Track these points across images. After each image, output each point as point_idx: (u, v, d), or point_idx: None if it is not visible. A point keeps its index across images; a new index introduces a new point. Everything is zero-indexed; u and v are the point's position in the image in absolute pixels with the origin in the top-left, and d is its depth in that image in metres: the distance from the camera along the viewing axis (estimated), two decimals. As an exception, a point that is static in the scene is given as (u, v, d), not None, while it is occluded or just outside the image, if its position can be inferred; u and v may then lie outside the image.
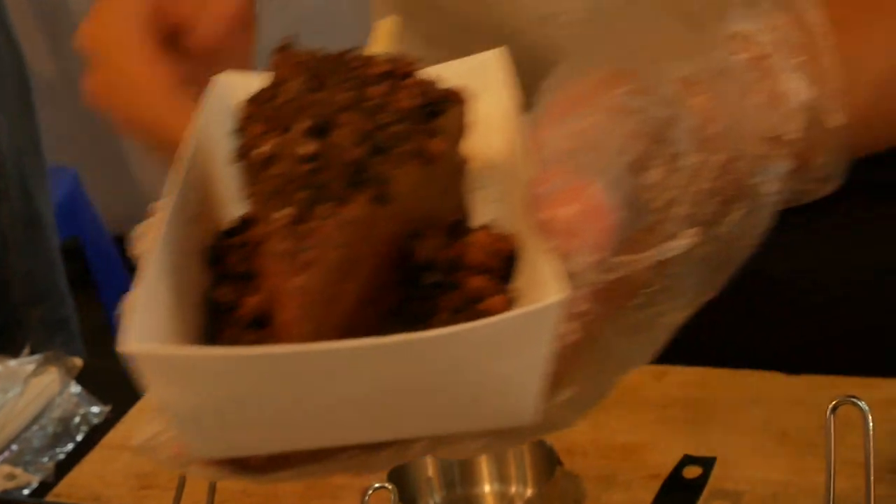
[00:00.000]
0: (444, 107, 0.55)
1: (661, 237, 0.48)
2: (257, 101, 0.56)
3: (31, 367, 1.10)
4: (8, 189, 1.63)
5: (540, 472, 0.92)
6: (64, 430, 1.07)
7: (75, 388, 1.09)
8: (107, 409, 1.08)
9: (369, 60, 0.59)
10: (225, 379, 0.47)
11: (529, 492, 0.93)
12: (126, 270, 2.43)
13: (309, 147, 0.50)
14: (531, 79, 0.57)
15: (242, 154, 0.53)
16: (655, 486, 0.90)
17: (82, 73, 0.83)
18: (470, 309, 0.49)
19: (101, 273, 2.40)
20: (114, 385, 1.06)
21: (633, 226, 0.47)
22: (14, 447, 1.07)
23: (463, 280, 0.50)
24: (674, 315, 0.52)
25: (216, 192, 0.60)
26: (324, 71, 0.58)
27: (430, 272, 0.52)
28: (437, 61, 0.88)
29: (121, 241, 2.50)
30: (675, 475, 0.89)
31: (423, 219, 0.54)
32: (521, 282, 0.49)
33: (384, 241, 0.52)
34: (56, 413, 1.08)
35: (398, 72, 0.57)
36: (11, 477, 1.01)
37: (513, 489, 0.95)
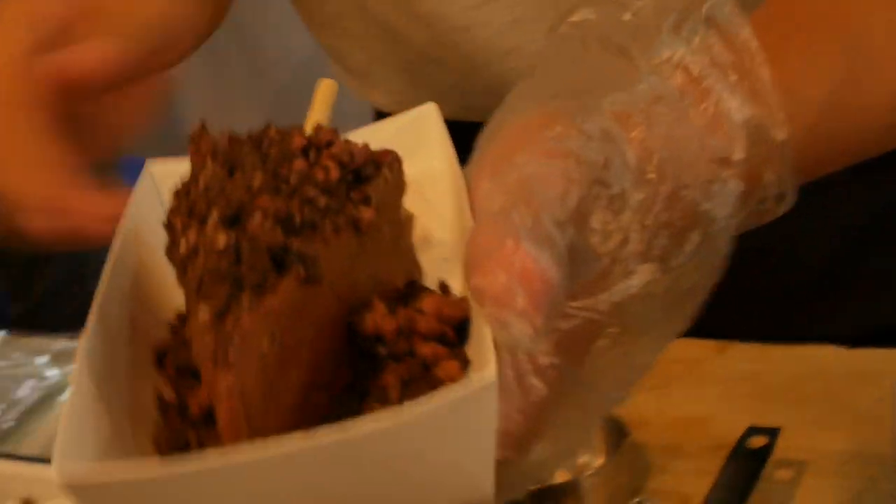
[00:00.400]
0: (371, 171, 0.55)
1: (615, 278, 0.47)
2: (179, 193, 0.54)
3: None
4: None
5: (609, 442, 0.93)
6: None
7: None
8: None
9: (287, 136, 0.58)
10: (152, 497, 0.45)
11: (599, 461, 0.93)
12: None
13: (223, 238, 0.48)
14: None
15: (169, 250, 0.52)
16: (721, 456, 0.90)
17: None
18: (424, 377, 0.48)
19: None
20: None
21: (581, 274, 0.46)
22: None
23: (415, 348, 0.49)
24: (644, 355, 0.51)
25: (158, 283, 0.58)
26: (240, 153, 0.56)
27: (381, 344, 0.50)
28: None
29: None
30: (741, 445, 0.89)
31: (367, 287, 0.54)
32: (471, 347, 0.48)
33: (325, 320, 0.51)
34: None
35: (318, 142, 0.57)
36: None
37: (582, 459, 0.94)
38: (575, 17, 0.53)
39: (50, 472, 0.57)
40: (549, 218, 0.43)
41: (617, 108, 0.47)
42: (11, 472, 0.92)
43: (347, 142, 0.58)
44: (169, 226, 0.52)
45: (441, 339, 0.49)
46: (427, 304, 0.51)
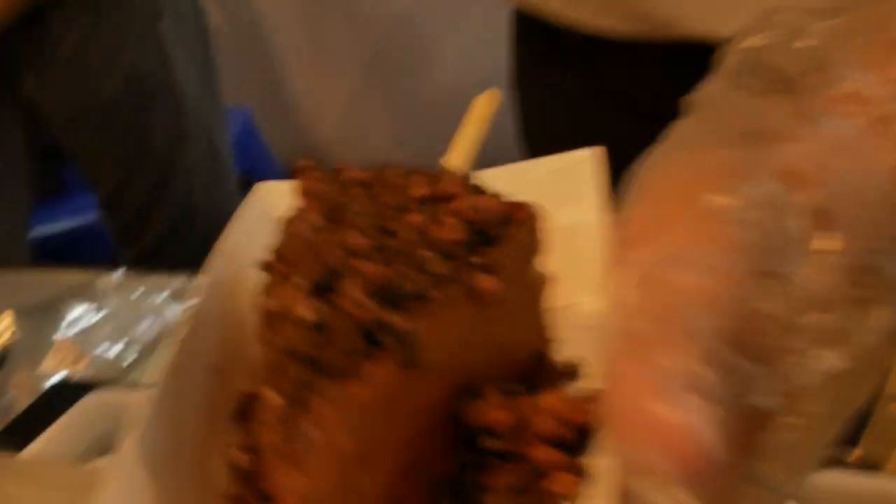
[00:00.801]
0: (500, 231, 0.48)
1: (787, 367, 0.38)
2: (279, 238, 0.50)
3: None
4: (192, 131, 1.71)
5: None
6: None
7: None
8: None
9: (407, 180, 0.52)
10: None
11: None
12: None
13: (309, 309, 0.43)
14: None
15: (261, 296, 0.47)
16: None
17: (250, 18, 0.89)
18: (533, 487, 0.43)
19: None
20: None
21: (746, 386, 0.37)
22: None
23: (528, 450, 0.44)
24: (821, 439, 0.42)
25: (251, 320, 0.49)
26: (347, 197, 0.51)
27: (491, 438, 0.45)
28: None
29: (289, 173, 2.60)
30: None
31: (483, 362, 0.48)
32: (597, 460, 0.43)
33: (425, 407, 0.46)
34: None
35: (443, 193, 0.50)
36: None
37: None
38: (745, 44, 0.44)
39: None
40: (704, 357, 0.35)
41: (785, 164, 0.39)
42: (140, 400, 0.95)
43: (476, 193, 0.51)
44: (266, 267, 0.48)
45: (559, 442, 0.44)
46: (548, 400, 0.45)
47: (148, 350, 1.13)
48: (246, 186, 1.82)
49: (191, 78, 1.70)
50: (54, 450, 0.93)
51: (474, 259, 0.45)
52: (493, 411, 0.44)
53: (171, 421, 0.48)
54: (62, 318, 1.18)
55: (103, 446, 0.92)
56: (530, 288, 0.50)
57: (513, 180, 0.54)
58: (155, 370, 1.09)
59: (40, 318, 1.19)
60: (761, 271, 0.37)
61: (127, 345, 1.14)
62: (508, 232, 0.47)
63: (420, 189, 0.50)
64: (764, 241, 0.38)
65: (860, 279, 0.39)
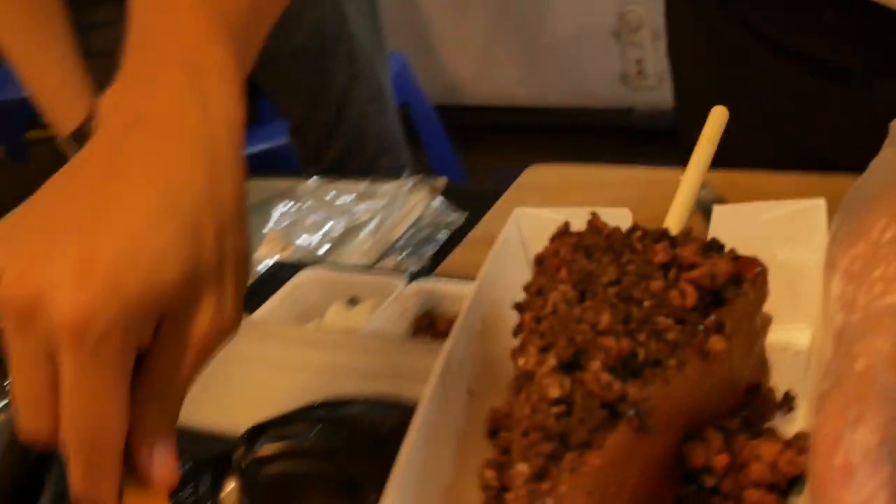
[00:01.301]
0: (731, 293, 0.45)
1: None
2: (531, 288, 0.48)
3: (407, 187, 1.17)
4: (362, 72, 1.72)
5: None
6: (432, 232, 1.12)
7: (439, 202, 1.15)
8: (464, 214, 1.13)
9: (651, 245, 0.48)
10: None
11: None
12: (443, 131, 2.57)
13: (556, 388, 0.40)
14: None
15: (515, 340, 0.45)
16: None
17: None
18: None
19: (425, 132, 2.47)
20: (466, 199, 1.15)
21: None
22: (398, 245, 1.12)
23: (743, 492, 0.42)
24: None
25: (503, 343, 0.48)
26: (596, 267, 0.47)
27: (709, 475, 0.43)
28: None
29: (438, 109, 2.63)
30: None
31: (708, 403, 0.45)
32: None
33: (656, 455, 0.43)
34: (426, 220, 1.14)
35: (683, 260, 0.47)
36: (398, 266, 1.07)
37: None
38: None
39: (366, 277, 0.58)
40: (890, 427, 0.31)
41: None
42: (338, 278, 1.00)
43: (712, 253, 0.47)
44: (519, 308, 0.47)
45: (771, 489, 0.41)
46: (766, 450, 0.42)
47: (339, 240, 1.15)
48: (404, 116, 1.82)
49: (361, 29, 1.71)
50: (275, 316, 0.96)
51: (707, 322, 0.43)
52: (714, 455, 0.42)
53: (431, 441, 0.45)
54: (271, 216, 1.21)
55: (312, 314, 0.96)
56: (755, 332, 0.47)
57: (748, 219, 0.53)
58: (346, 255, 1.14)
59: (254, 215, 1.20)
60: None
61: (322, 236, 1.17)
62: (739, 291, 0.45)
63: (662, 255, 0.47)
64: None
65: None
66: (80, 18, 1.35)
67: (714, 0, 1.06)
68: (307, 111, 1.76)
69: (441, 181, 1.19)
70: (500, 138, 2.98)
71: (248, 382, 0.77)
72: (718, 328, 0.43)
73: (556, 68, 3.00)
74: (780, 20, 1.00)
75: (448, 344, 0.49)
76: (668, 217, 0.55)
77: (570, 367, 0.41)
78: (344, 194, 1.22)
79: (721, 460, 0.42)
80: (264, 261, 1.14)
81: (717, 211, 0.55)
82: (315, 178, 1.25)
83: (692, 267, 0.45)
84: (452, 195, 1.19)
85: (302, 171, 1.74)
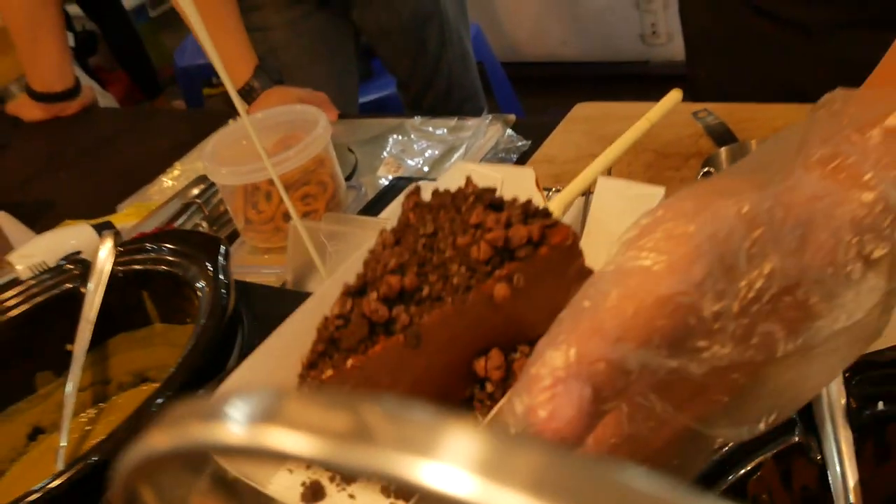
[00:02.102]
0: (526, 252, 0.42)
1: (710, 353, 0.29)
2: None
3: (486, 122, 1.18)
4: (451, 39, 1.71)
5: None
6: (505, 155, 1.13)
7: (510, 132, 1.16)
8: (527, 142, 1.13)
9: (473, 207, 0.45)
10: None
11: None
12: (507, 81, 2.57)
13: (338, 308, 0.41)
14: None
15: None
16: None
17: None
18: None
19: (495, 83, 2.45)
20: (529, 130, 1.16)
21: (679, 347, 0.29)
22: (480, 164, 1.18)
23: (508, 383, 0.41)
24: (813, 382, 0.33)
25: None
26: (419, 223, 0.45)
27: (490, 383, 0.42)
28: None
29: (503, 65, 2.64)
30: None
31: (514, 331, 0.43)
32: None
33: (433, 368, 0.41)
34: (501, 146, 1.14)
35: (486, 224, 0.44)
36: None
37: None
38: (834, 105, 0.34)
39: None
40: (587, 358, 0.28)
41: (745, 209, 0.29)
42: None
43: (525, 218, 0.43)
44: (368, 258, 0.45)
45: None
46: (522, 363, 0.41)
47: (437, 162, 1.16)
48: (480, 72, 1.81)
49: (449, 6, 1.71)
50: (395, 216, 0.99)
51: (496, 273, 0.41)
52: (493, 369, 0.41)
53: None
54: (386, 145, 1.23)
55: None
56: (565, 282, 0.43)
57: (619, 193, 0.50)
58: (442, 172, 1.12)
59: (373, 145, 1.22)
60: (685, 291, 0.29)
61: (425, 158, 1.18)
62: (535, 252, 0.42)
63: (475, 217, 0.44)
64: (702, 268, 0.29)
65: (783, 301, 0.30)
66: (241, 2, 1.36)
67: None
68: (409, 70, 1.77)
69: (511, 117, 1.20)
70: (549, 85, 2.98)
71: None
72: (506, 279, 0.40)
73: (590, 31, 3.00)
74: None
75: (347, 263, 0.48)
76: (599, 158, 0.53)
77: (357, 294, 0.41)
78: (440, 128, 1.23)
79: (496, 373, 0.41)
80: (382, 178, 1.16)
81: (601, 182, 0.51)
82: (418, 117, 1.26)
83: (490, 229, 0.43)
84: (519, 128, 1.18)
85: (405, 114, 1.77)
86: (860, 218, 0.30)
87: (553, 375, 0.28)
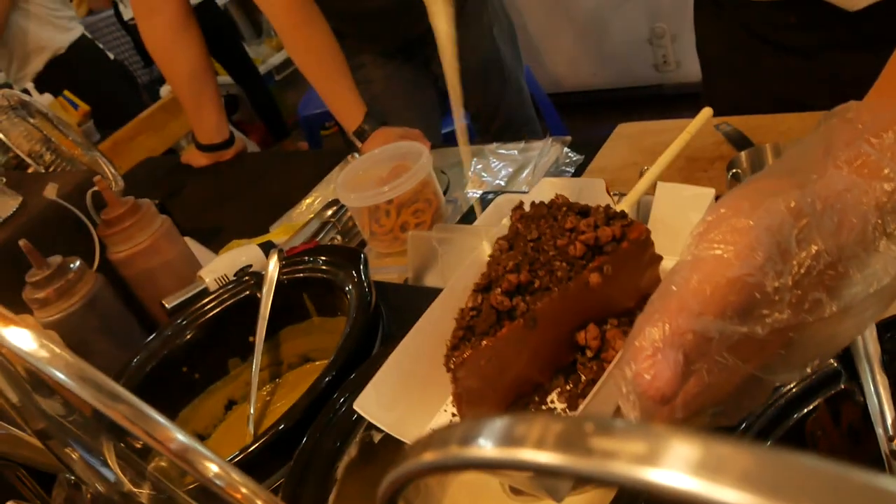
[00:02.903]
0: (611, 248, 0.41)
1: (773, 318, 0.29)
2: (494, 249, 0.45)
3: (549, 143, 1.15)
4: (508, 78, 1.69)
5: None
6: (565, 168, 1.10)
7: (567, 149, 1.13)
8: (581, 157, 1.10)
9: (566, 215, 0.44)
10: None
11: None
12: (553, 108, 2.53)
13: (471, 301, 0.41)
14: None
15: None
16: None
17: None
18: (602, 370, 0.40)
19: (545, 111, 2.40)
20: (581, 147, 1.13)
21: (747, 315, 0.29)
22: (546, 177, 1.11)
23: (604, 364, 0.40)
24: (843, 338, 0.32)
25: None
26: (525, 230, 0.45)
27: (589, 350, 0.41)
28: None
29: (549, 95, 2.60)
30: None
31: (602, 309, 0.42)
32: None
33: (548, 340, 0.40)
34: (561, 161, 1.12)
35: (579, 227, 0.43)
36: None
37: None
38: (848, 114, 0.33)
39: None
40: (677, 331, 0.28)
41: (793, 204, 0.29)
42: (515, 197, 1.01)
43: (607, 220, 0.42)
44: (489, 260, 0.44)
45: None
46: (619, 341, 0.40)
47: (511, 178, 1.14)
48: (533, 102, 1.76)
49: (506, 52, 1.68)
50: (485, 223, 0.98)
51: (590, 265, 0.40)
52: (591, 340, 0.40)
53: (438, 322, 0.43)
54: (469, 167, 1.20)
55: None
56: (641, 268, 0.43)
57: (677, 193, 0.48)
58: (517, 185, 1.12)
59: (459, 167, 1.19)
60: (751, 273, 0.29)
61: (500, 176, 1.15)
62: (618, 247, 0.41)
63: (569, 223, 0.44)
64: (762, 254, 0.29)
65: (827, 274, 0.30)
66: (349, 61, 1.36)
67: (727, 14, 1.02)
68: (478, 105, 1.75)
69: (567, 139, 1.18)
70: (585, 109, 2.94)
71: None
72: (599, 269, 0.40)
73: (614, 64, 2.95)
74: (765, 23, 0.98)
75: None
76: (650, 171, 0.50)
77: (485, 290, 0.41)
78: (511, 150, 1.22)
79: (594, 342, 0.40)
80: (471, 192, 1.14)
81: (660, 187, 0.50)
82: (494, 143, 1.25)
83: (582, 232, 0.43)
84: (572, 146, 1.16)
85: (477, 140, 1.75)
86: (882, 203, 0.30)
87: (653, 346, 0.28)
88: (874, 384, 0.45)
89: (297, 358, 0.82)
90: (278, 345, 0.80)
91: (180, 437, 0.28)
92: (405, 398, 0.42)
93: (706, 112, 0.55)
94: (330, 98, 1.37)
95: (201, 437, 0.76)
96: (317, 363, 0.81)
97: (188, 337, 0.78)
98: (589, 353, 0.41)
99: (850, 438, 0.46)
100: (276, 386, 0.81)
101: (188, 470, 0.28)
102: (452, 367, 0.38)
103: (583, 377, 0.41)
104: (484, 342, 0.39)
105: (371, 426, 0.58)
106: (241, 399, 0.79)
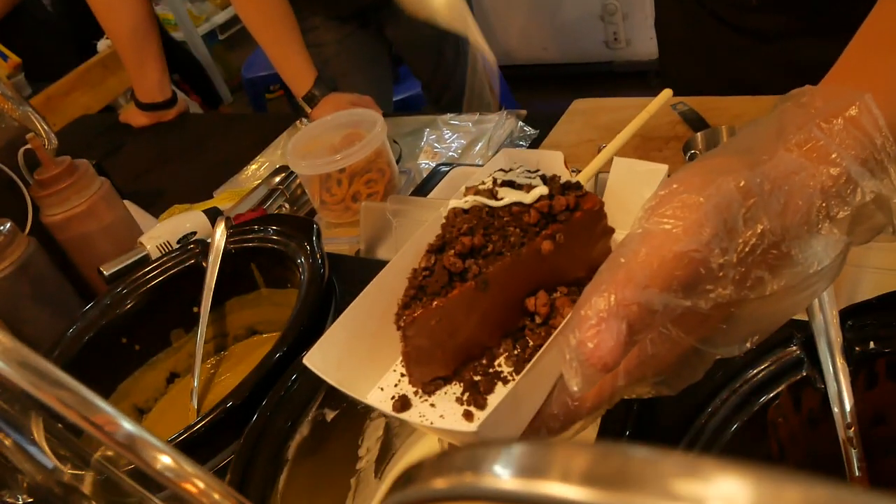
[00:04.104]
0: (565, 217, 0.40)
1: (716, 294, 0.30)
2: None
3: (503, 116, 1.14)
4: (463, 50, 1.66)
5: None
6: (519, 143, 1.09)
7: (521, 123, 1.12)
8: (536, 132, 1.09)
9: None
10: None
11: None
12: (505, 82, 2.50)
13: (424, 262, 0.39)
14: None
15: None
16: None
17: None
18: (549, 334, 0.39)
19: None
20: (535, 121, 1.12)
21: (691, 289, 0.30)
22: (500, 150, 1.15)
23: (551, 329, 0.39)
24: (728, 349, 0.33)
25: None
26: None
27: (538, 316, 0.40)
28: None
29: (500, 68, 2.57)
30: None
31: (553, 277, 0.41)
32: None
33: (495, 306, 0.39)
34: (515, 134, 1.11)
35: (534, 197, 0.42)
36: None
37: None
38: (803, 99, 0.34)
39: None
40: (622, 303, 0.29)
41: (742, 183, 0.30)
42: (469, 170, 0.98)
43: (563, 191, 0.42)
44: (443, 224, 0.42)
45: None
46: (567, 308, 0.39)
47: (465, 150, 1.12)
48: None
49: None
50: (440, 195, 0.95)
51: (543, 233, 0.40)
52: (540, 306, 0.40)
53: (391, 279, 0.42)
54: (423, 137, 1.18)
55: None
56: (594, 238, 0.42)
57: (631, 168, 0.47)
58: (470, 158, 1.10)
59: (412, 136, 1.19)
60: (697, 248, 0.30)
61: (454, 148, 1.13)
62: (572, 216, 0.41)
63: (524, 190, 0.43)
64: (709, 230, 0.30)
65: (771, 253, 0.31)
66: (300, 23, 1.32)
67: None
68: (431, 74, 1.72)
69: (522, 112, 1.16)
70: (535, 83, 2.93)
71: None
72: (552, 237, 0.40)
73: (565, 39, 2.94)
74: (726, 4, 0.97)
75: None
76: (608, 147, 0.49)
77: (438, 251, 0.40)
78: (465, 122, 1.20)
79: (543, 309, 0.40)
80: (423, 163, 1.13)
81: (616, 161, 0.49)
82: (448, 114, 1.23)
83: (537, 201, 0.42)
84: (527, 120, 1.14)
85: (425, 110, 1.73)
86: (828, 187, 0.31)
87: (597, 316, 0.29)
88: (834, 371, 0.45)
89: (243, 330, 0.79)
90: (224, 316, 0.77)
91: (126, 425, 0.26)
92: (356, 356, 0.40)
93: (666, 93, 0.54)
94: (279, 61, 1.33)
95: (141, 412, 0.73)
96: (264, 336, 0.78)
97: (129, 306, 0.74)
98: (538, 320, 0.41)
99: (809, 425, 0.46)
100: (220, 359, 0.78)
101: (137, 463, 0.26)
102: (402, 325, 0.37)
103: (530, 342, 0.40)
104: (435, 302, 0.38)
105: (324, 404, 0.56)
106: (183, 372, 0.76)
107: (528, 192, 0.42)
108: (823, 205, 0.31)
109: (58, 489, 0.31)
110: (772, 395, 0.45)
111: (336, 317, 0.67)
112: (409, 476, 0.15)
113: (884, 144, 0.32)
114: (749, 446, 0.45)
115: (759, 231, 0.30)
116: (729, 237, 0.30)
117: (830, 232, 0.32)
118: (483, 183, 0.45)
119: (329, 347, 0.39)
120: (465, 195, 0.44)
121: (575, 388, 0.29)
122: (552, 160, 0.52)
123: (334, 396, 0.56)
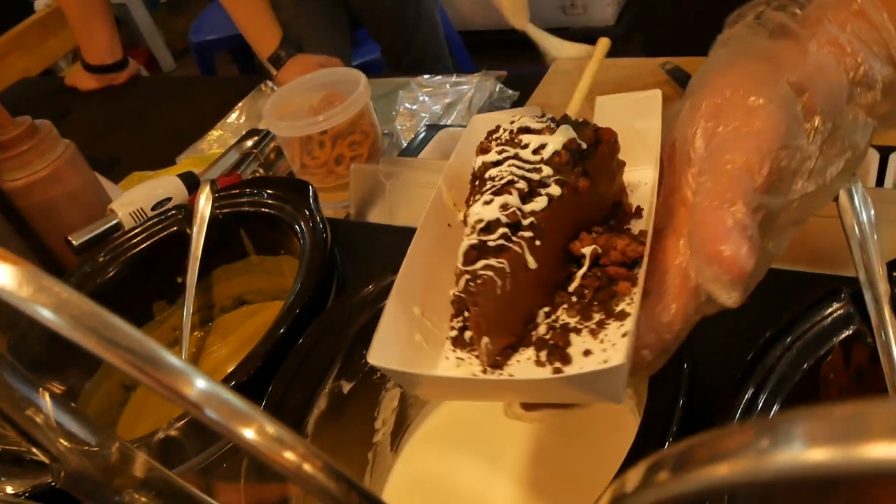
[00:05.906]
0: (591, 151, 0.39)
1: (796, 188, 0.33)
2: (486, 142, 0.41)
3: (478, 77, 1.12)
4: (424, 13, 1.64)
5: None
6: (500, 104, 1.08)
7: (500, 86, 1.11)
8: (516, 94, 1.09)
9: (550, 127, 0.40)
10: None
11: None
12: (463, 46, 2.47)
13: (481, 213, 0.37)
14: None
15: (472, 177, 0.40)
16: None
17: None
18: (608, 287, 0.37)
19: (454, 48, 2.33)
20: (518, 82, 1.12)
21: (775, 191, 0.32)
22: (480, 111, 1.06)
23: (605, 269, 0.37)
24: (778, 248, 0.35)
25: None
26: (511, 146, 0.41)
27: (585, 259, 0.38)
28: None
29: (459, 34, 2.53)
30: None
31: (586, 215, 0.40)
32: (646, 276, 0.35)
33: (552, 253, 0.38)
34: (495, 96, 1.09)
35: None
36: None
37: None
38: (759, 9, 0.37)
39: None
40: (750, 208, 0.30)
41: (795, 78, 0.33)
42: (456, 132, 0.96)
43: (582, 129, 0.40)
44: (473, 174, 0.40)
45: (623, 264, 0.37)
46: (619, 242, 0.37)
47: (444, 112, 1.10)
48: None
49: None
50: (429, 156, 0.93)
51: (576, 171, 0.38)
52: (585, 246, 0.38)
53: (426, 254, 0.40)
54: (397, 99, 1.15)
55: (448, 152, 0.93)
56: (613, 172, 0.41)
57: (620, 102, 0.46)
58: (451, 120, 1.07)
59: (386, 99, 1.15)
60: (785, 146, 0.31)
61: (432, 111, 1.11)
62: (596, 150, 0.39)
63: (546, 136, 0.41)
64: (786, 127, 0.31)
65: (829, 142, 0.33)
66: None
67: None
68: (391, 38, 1.68)
69: (502, 73, 1.14)
70: (491, 49, 2.90)
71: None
72: (584, 174, 0.38)
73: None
74: None
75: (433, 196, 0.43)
76: (570, 105, 0.48)
77: (487, 203, 0.37)
78: (442, 85, 1.16)
79: (591, 251, 0.38)
80: (401, 126, 1.10)
81: (600, 100, 0.47)
82: (424, 76, 1.19)
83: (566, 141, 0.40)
84: (509, 81, 1.13)
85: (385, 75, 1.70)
86: (851, 77, 0.34)
87: (739, 225, 0.30)
88: (882, 323, 0.44)
89: (230, 301, 0.75)
90: (210, 286, 0.73)
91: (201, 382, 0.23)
92: (411, 346, 0.37)
93: (604, 42, 0.53)
94: (242, 20, 1.27)
95: (127, 388, 0.68)
96: (253, 306, 0.74)
97: (108, 277, 0.69)
98: (585, 263, 0.39)
99: (856, 379, 0.46)
100: (207, 331, 0.74)
101: (224, 433, 0.23)
102: (473, 289, 0.34)
103: (586, 289, 0.38)
104: (501, 259, 0.35)
105: (340, 375, 0.53)
106: (168, 346, 0.72)
107: (550, 133, 0.40)
108: (857, 90, 0.34)
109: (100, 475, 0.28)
110: (824, 350, 0.44)
111: (340, 283, 0.64)
112: (656, 463, 0.13)
113: (892, 33, 0.34)
114: (802, 404, 0.44)
115: (816, 123, 0.33)
116: (802, 132, 0.32)
117: (865, 119, 0.35)
118: (498, 135, 0.42)
119: (389, 340, 0.36)
120: (484, 150, 0.42)
121: (730, 303, 0.30)
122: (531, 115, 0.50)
123: (351, 367, 0.53)
